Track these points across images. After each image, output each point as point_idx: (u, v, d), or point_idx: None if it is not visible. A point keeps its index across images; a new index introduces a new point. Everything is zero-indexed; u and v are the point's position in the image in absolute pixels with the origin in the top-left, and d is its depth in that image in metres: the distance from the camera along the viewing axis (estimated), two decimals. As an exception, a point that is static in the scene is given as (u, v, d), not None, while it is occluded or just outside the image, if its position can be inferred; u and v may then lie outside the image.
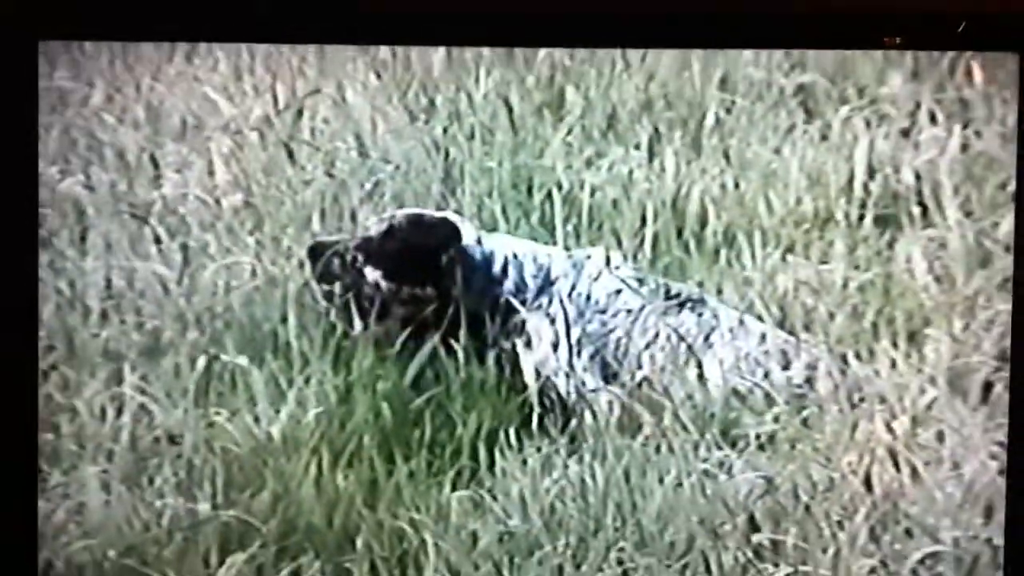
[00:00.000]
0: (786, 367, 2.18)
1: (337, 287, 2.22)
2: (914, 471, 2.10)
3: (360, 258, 2.22)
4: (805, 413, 2.15)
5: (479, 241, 2.23)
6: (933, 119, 2.19)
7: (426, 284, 2.21)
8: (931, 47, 2.16)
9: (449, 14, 2.08)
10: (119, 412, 2.17)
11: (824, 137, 2.24)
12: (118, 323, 2.19)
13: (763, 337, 2.20)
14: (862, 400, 2.14)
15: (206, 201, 2.23)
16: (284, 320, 2.20)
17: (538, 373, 2.20)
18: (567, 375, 2.20)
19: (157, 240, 2.22)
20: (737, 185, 2.25)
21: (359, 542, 2.11)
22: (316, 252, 2.22)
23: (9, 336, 2.13)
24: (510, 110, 2.25)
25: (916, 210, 2.21)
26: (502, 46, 2.22)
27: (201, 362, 2.18)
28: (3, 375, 2.13)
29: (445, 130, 2.25)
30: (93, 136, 2.24)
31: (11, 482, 2.14)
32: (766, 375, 2.18)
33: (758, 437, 2.13)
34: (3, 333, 2.13)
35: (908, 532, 2.08)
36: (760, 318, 2.20)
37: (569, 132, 2.26)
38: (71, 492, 2.14)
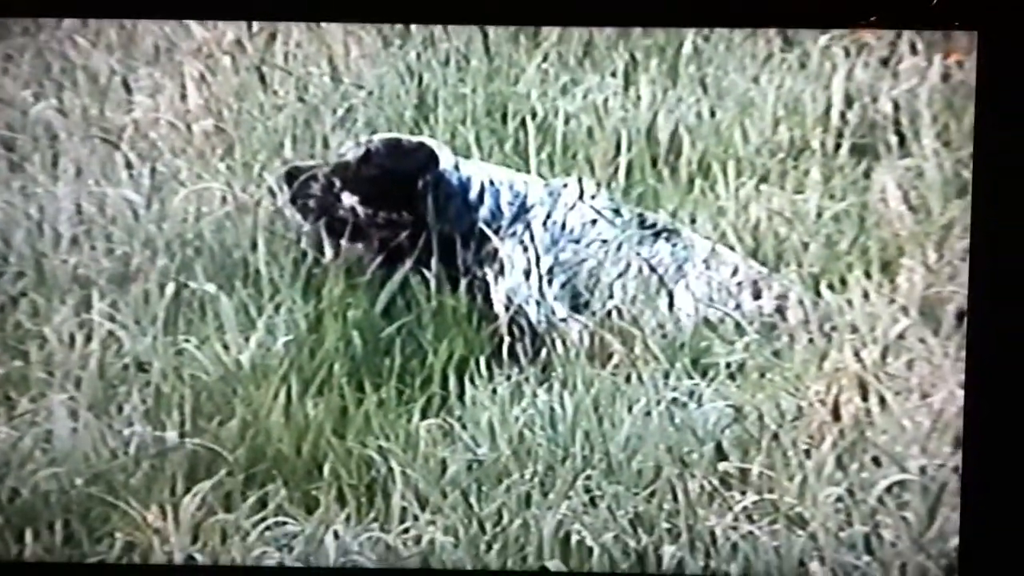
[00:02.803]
0: (757, 296, 2.19)
1: (311, 212, 2.20)
2: (882, 400, 2.10)
3: (337, 183, 2.20)
4: (775, 343, 2.15)
5: (456, 167, 2.21)
6: (914, 49, 2.18)
7: (402, 209, 2.19)
8: (894, 25, 2.16)
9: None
10: (88, 339, 2.15)
11: (802, 66, 2.23)
12: (88, 249, 2.18)
13: (736, 267, 2.20)
14: (833, 329, 2.14)
15: (177, 126, 2.21)
16: (254, 247, 2.19)
17: (509, 301, 2.20)
18: (538, 303, 2.19)
19: (128, 165, 2.20)
20: (713, 114, 2.24)
21: (326, 470, 2.11)
22: (292, 176, 2.20)
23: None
24: (485, 36, 2.24)
25: (893, 139, 2.20)
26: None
27: (170, 289, 2.17)
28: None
29: (419, 56, 2.24)
30: (67, 59, 2.22)
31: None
32: (737, 305, 2.18)
33: (728, 366, 2.14)
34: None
35: (876, 460, 2.08)
36: (732, 248, 2.20)
37: (545, 59, 2.25)
38: (39, 420, 2.13)
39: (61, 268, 2.17)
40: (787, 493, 2.07)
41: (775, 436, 2.09)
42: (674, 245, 2.21)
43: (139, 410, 2.13)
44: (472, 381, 2.15)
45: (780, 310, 2.18)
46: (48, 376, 2.14)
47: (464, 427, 2.12)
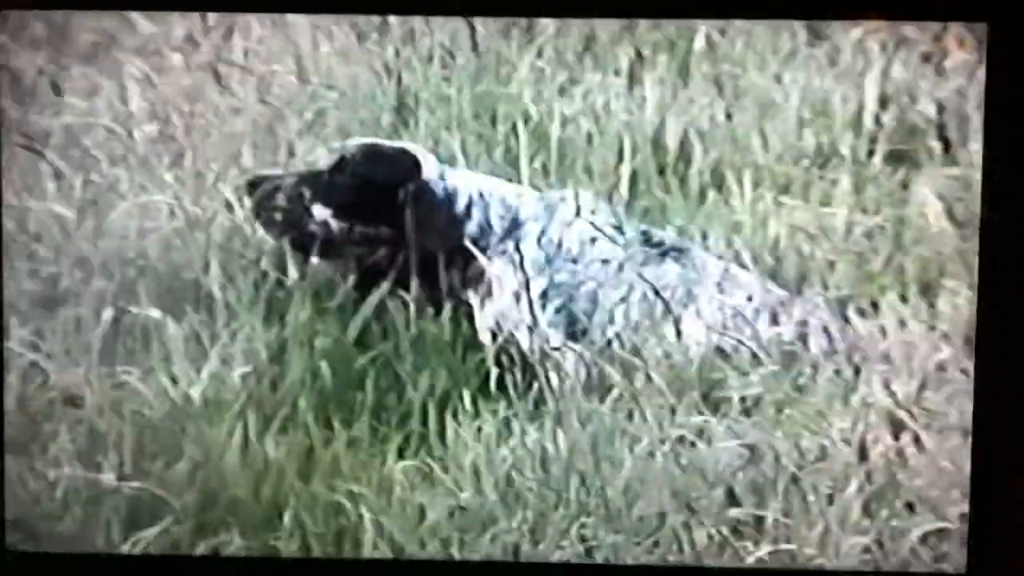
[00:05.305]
0: (776, 323, 2.11)
1: (277, 226, 2.12)
2: (917, 439, 2.03)
3: (307, 194, 2.12)
4: (796, 375, 2.07)
5: (442, 176, 2.13)
6: (961, 43, 2.10)
7: (381, 223, 2.12)
8: (903, 16, 2.09)
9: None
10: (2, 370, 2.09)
11: (832, 63, 2.16)
12: (6, 269, 2.10)
13: (752, 291, 2.11)
14: (863, 360, 2.07)
15: (115, 131, 2.13)
16: (207, 268, 2.12)
17: (498, 327, 2.12)
18: (530, 330, 2.11)
19: (57, 175, 2.12)
20: (728, 117, 2.16)
21: (288, 517, 2.05)
22: (255, 186, 2.13)
23: None
24: (472, 30, 2.17)
25: (936, 146, 2.12)
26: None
27: (107, 315, 2.09)
28: None
29: (398, 52, 2.18)
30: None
31: None
32: (753, 333, 2.09)
33: (742, 401, 2.06)
34: None
35: (909, 506, 2.02)
36: (748, 268, 2.12)
37: (539, 55, 2.18)
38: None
39: (-24, 292, 2.11)
40: (806, 543, 2.02)
41: (794, 479, 2.03)
42: (683, 266, 2.13)
43: (68, 450, 2.05)
44: (455, 417, 2.08)
45: (802, 338, 2.09)
46: (-39, 413, 2.08)
47: (445, 469, 2.06)
